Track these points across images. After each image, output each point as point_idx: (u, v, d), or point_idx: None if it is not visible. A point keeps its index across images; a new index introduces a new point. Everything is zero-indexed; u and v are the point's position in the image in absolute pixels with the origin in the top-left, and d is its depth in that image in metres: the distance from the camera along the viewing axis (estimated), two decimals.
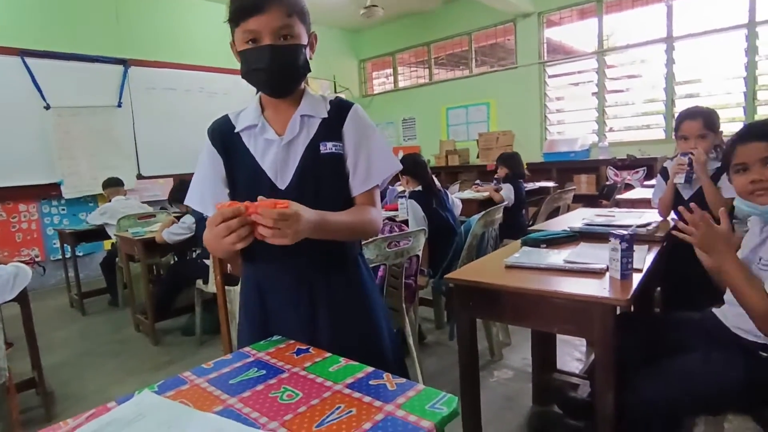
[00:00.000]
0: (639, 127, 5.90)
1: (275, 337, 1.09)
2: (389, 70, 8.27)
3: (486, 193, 3.95)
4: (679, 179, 2.11)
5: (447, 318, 3.01)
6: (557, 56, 6.45)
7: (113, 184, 4.39)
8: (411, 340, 2.10)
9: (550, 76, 6.40)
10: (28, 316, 2.36)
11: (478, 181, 4.71)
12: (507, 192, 3.92)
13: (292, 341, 1.08)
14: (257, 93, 1.14)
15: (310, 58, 1.10)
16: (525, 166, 4.28)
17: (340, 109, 1.12)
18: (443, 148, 7.04)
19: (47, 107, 5.03)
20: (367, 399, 0.80)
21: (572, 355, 2.64)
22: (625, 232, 1.40)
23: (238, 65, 1.07)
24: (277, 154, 1.08)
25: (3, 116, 4.77)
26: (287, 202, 0.88)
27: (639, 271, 1.44)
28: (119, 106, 5.55)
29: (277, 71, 1.03)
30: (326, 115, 1.10)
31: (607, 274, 1.44)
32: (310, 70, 1.10)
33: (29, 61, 4.91)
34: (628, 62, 5.97)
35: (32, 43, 4.93)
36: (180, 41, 6.01)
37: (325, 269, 1.11)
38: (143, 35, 5.76)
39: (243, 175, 1.10)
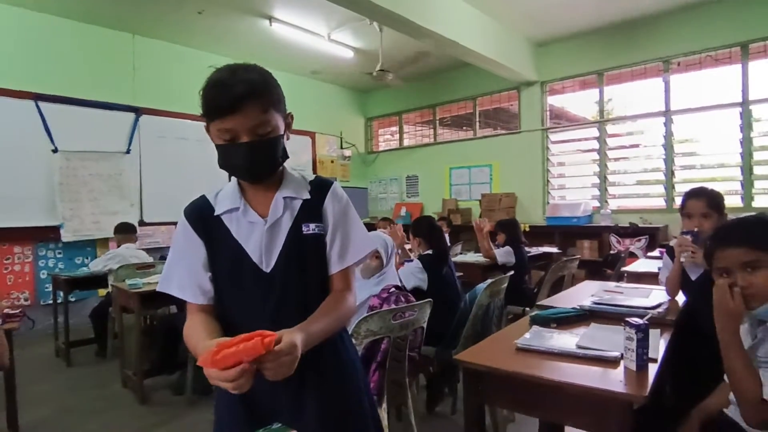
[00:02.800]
0: (640, 195, 5.97)
1: (275, 425, 1.02)
2: (395, 128, 8.45)
3: (489, 258, 3.93)
4: (686, 257, 2.09)
5: (448, 389, 2.89)
6: (560, 122, 6.61)
7: (126, 231, 4.30)
8: (412, 417, 2.00)
9: (552, 142, 6.53)
10: (11, 372, 2.27)
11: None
12: (504, 255, 3.89)
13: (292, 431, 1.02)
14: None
15: (288, 138, 1.10)
16: (527, 229, 4.28)
17: (320, 188, 1.13)
18: (446, 207, 7.08)
19: (55, 150, 5.08)
20: None
21: None
22: (640, 321, 1.36)
23: None
24: (261, 236, 1.06)
25: (9, 157, 4.80)
26: (273, 334, 0.87)
27: (654, 361, 1.40)
28: (128, 152, 5.62)
29: (255, 165, 1.03)
30: (308, 197, 1.10)
31: (622, 363, 1.39)
32: (288, 157, 1.10)
33: (42, 105, 5.00)
34: (628, 132, 6.11)
35: (47, 88, 5.04)
36: (193, 93, 6.05)
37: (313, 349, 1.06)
38: (157, 85, 5.91)
39: (226, 258, 1.07)
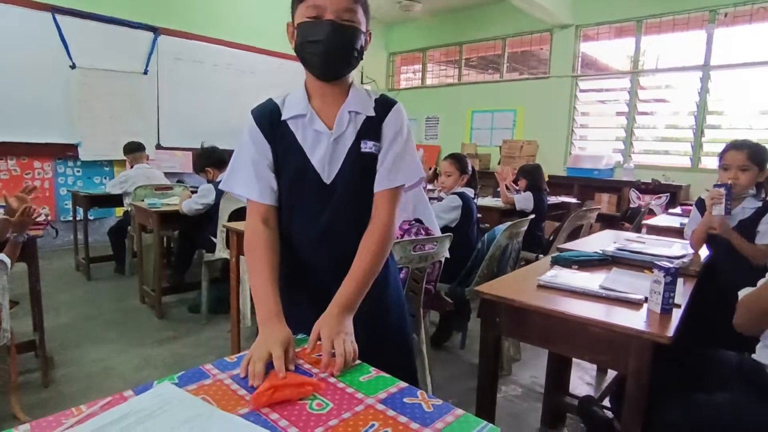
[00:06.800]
0: (664, 152, 5.80)
1: (300, 336, 1.03)
2: (418, 66, 8.16)
3: (508, 204, 3.89)
4: (718, 210, 2.02)
5: (458, 326, 2.94)
6: (589, 71, 6.34)
7: (135, 149, 4.26)
8: (424, 347, 2.04)
9: (581, 90, 6.29)
10: (36, 277, 2.33)
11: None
12: (523, 201, 3.83)
13: (319, 342, 1.03)
14: (304, 80, 1.13)
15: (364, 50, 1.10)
16: (546, 179, 4.21)
17: (384, 107, 1.13)
18: (464, 151, 6.93)
19: (73, 66, 4.99)
20: (402, 419, 0.75)
21: (583, 378, 2.58)
22: (670, 265, 1.33)
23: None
24: (326, 148, 1.08)
25: (28, 71, 4.73)
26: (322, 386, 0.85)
27: (678, 306, 1.39)
28: (145, 73, 5.51)
29: (333, 47, 1.02)
30: (372, 113, 1.11)
31: (645, 305, 1.38)
32: (362, 59, 1.09)
33: (59, 18, 4.87)
34: (657, 86, 5.84)
35: (65, 1, 4.89)
36: (212, 15, 5.96)
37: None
38: (177, 5, 5.71)
39: (291, 165, 1.09)
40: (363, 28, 1.05)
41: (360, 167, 1.08)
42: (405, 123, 1.13)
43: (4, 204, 2.41)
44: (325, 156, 1.07)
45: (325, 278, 1.10)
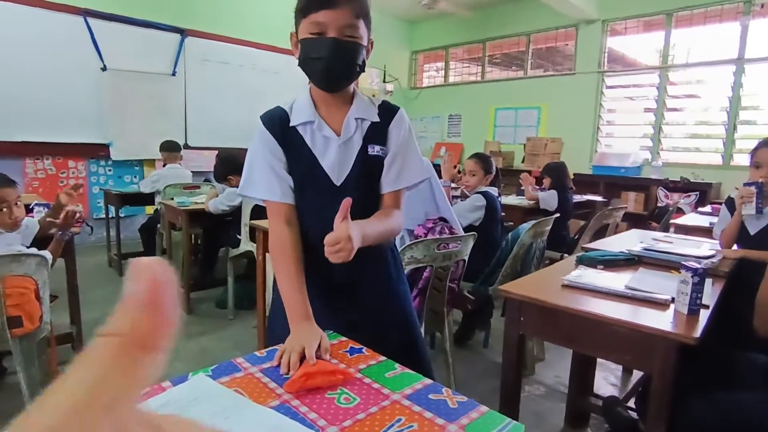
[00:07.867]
0: (695, 150, 5.65)
1: (327, 332, 1.07)
2: (440, 64, 8.12)
3: (532, 201, 3.86)
4: (749, 210, 1.98)
5: (481, 324, 2.94)
6: (616, 67, 6.22)
7: (172, 149, 4.34)
8: (447, 345, 2.05)
9: (608, 87, 6.17)
10: (73, 273, 2.42)
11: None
12: (547, 198, 3.80)
13: (344, 338, 1.06)
14: (308, 85, 1.17)
15: (365, 61, 1.14)
16: (571, 177, 4.16)
17: (387, 113, 1.18)
18: (487, 149, 6.89)
19: (104, 68, 5.13)
20: (428, 415, 0.77)
21: (608, 379, 2.55)
22: (698, 266, 1.32)
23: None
24: (335, 152, 1.13)
25: (61, 73, 4.88)
26: (352, 375, 0.89)
27: (706, 307, 1.37)
28: (173, 74, 5.64)
29: (335, 64, 1.06)
30: (377, 119, 1.16)
31: (672, 306, 1.37)
32: (364, 71, 1.13)
33: (91, 21, 5.01)
34: (687, 81, 5.69)
35: (96, 4, 5.02)
36: (237, 16, 6.06)
37: (361, 262, 1.10)
38: (203, 7, 5.82)
39: (302, 169, 1.14)
40: (364, 42, 1.09)
41: (368, 170, 1.14)
42: (408, 128, 1.19)
43: (43, 202, 2.52)
44: (335, 160, 1.12)
45: (335, 271, 1.13)
